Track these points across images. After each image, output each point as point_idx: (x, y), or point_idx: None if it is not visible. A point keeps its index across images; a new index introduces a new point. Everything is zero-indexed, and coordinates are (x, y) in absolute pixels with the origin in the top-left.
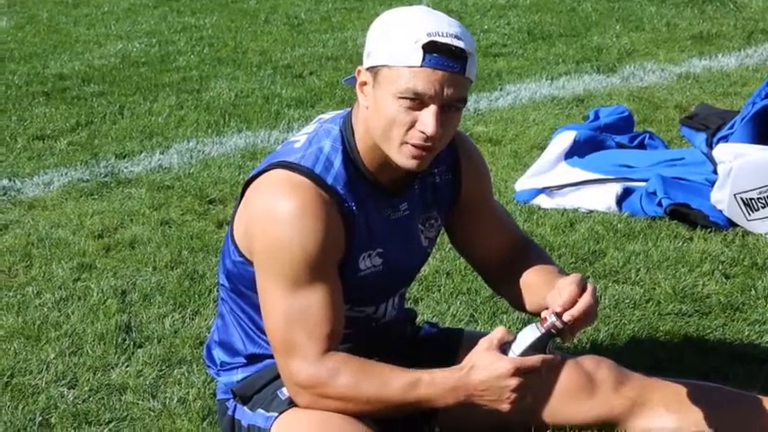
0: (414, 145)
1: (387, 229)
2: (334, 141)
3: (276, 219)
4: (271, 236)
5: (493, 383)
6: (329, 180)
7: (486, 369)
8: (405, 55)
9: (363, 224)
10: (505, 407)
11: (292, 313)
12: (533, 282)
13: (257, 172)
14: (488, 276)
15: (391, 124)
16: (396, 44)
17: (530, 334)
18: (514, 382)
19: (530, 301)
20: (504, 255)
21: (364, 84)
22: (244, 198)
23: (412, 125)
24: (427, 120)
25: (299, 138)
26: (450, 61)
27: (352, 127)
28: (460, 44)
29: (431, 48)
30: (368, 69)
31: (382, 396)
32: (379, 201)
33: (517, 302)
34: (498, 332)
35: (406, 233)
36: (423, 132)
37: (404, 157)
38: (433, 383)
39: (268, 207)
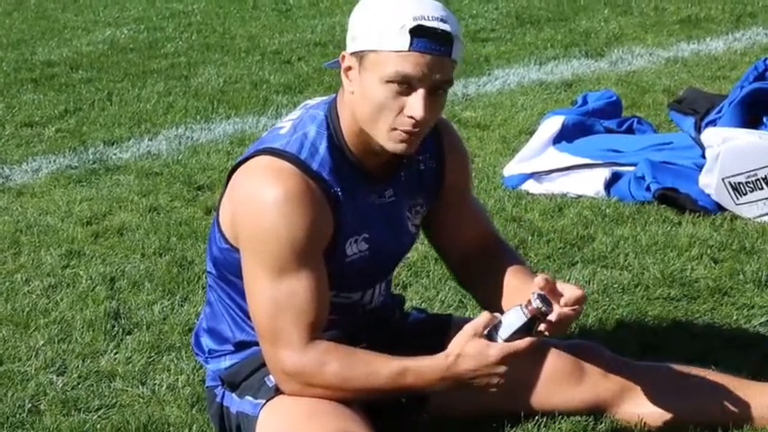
0: (403, 130)
1: (372, 214)
2: (320, 127)
3: (261, 206)
4: (256, 223)
5: (483, 371)
6: (314, 166)
7: (476, 358)
8: (392, 40)
9: (350, 209)
10: (492, 389)
11: (278, 301)
12: (509, 284)
13: (243, 158)
14: (454, 270)
15: (379, 109)
16: (382, 29)
17: (515, 318)
18: (503, 368)
19: (505, 304)
20: (472, 250)
21: (349, 69)
22: (229, 185)
23: (400, 110)
24: (416, 104)
25: (285, 124)
26: (438, 44)
27: (337, 113)
28: (446, 27)
29: (418, 32)
30: (353, 54)
31: (369, 386)
32: (364, 186)
33: (488, 304)
34: (483, 318)
35: (391, 219)
36: (412, 117)
37: (392, 142)
38: (420, 373)
39: (253, 194)
